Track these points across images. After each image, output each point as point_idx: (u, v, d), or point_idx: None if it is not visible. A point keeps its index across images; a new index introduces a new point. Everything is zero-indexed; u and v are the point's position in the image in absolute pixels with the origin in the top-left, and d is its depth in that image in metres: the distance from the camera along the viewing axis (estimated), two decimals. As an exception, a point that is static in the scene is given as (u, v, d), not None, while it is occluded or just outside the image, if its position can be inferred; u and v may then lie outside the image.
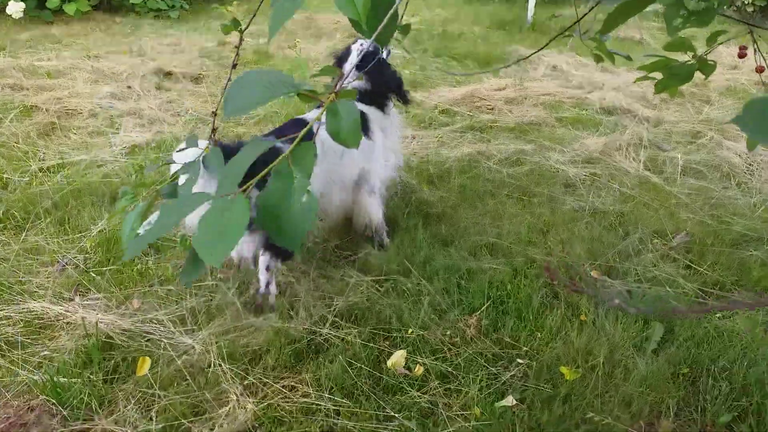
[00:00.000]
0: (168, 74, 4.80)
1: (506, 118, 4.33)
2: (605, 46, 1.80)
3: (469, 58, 5.83)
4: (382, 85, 2.69)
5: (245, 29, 1.20)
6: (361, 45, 2.66)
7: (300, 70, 5.19)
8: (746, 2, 7.90)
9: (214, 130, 1.23)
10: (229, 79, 1.46)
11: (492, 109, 4.50)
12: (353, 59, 2.63)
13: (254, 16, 1.15)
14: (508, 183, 3.32)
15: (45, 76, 4.58)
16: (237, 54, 1.20)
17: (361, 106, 2.64)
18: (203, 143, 1.22)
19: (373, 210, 2.67)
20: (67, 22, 6.83)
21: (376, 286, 2.41)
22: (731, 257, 2.73)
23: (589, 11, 1.59)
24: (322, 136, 0.80)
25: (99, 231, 2.62)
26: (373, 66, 2.52)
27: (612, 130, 4.24)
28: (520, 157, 3.67)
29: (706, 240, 2.84)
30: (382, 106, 2.72)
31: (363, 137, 2.57)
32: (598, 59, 1.80)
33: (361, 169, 2.60)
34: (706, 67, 1.41)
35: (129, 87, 4.40)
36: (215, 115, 1.27)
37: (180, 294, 2.29)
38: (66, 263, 2.42)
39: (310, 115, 2.52)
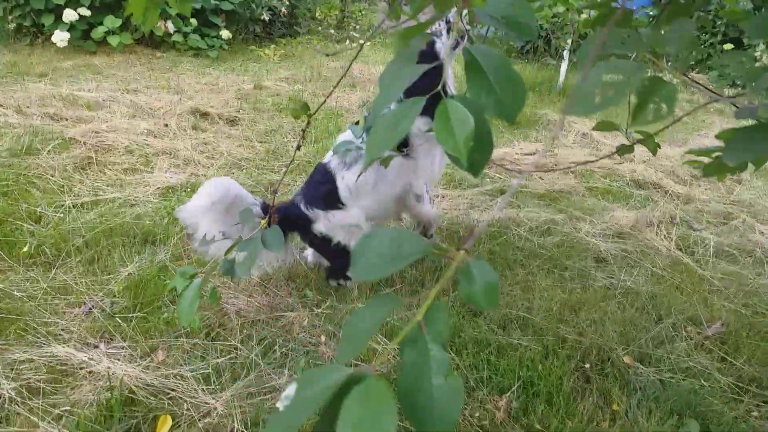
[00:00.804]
0: (204, 114, 4.87)
1: (536, 184, 4.32)
2: (653, 138, 1.78)
3: (499, 120, 5.86)
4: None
5: (313, 113, 1.20)
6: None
7: (336, 119, 5.26)
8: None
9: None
10: (292, 160, 1.47)
11: (522, 173, 4.50)
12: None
13: (324, 101, 1.15)
14: (538, 253, 3.28)
15: (84, 107, 4.67)
16: (303, 137, 1.20)
17: None
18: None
19: (424, 211, 2.87)
20: (109, 53, 7.03)
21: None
22: (767, 352, 2.64)
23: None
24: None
25: (128, 274, 2.60)
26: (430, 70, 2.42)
27: (642, 204, 4.21)
28: (550, 226, 3.64)
29: (742, 331, 2.75)
30: (431, 113, 2.64)
31: (401, 157, 2.65)
32: (628, 150, 1.77)
33: (405, 183, 2.74)
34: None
35: (166, 125, 4.47)
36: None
37: (205, 349, 2.25)
38: (92, 306, 2.40)
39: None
